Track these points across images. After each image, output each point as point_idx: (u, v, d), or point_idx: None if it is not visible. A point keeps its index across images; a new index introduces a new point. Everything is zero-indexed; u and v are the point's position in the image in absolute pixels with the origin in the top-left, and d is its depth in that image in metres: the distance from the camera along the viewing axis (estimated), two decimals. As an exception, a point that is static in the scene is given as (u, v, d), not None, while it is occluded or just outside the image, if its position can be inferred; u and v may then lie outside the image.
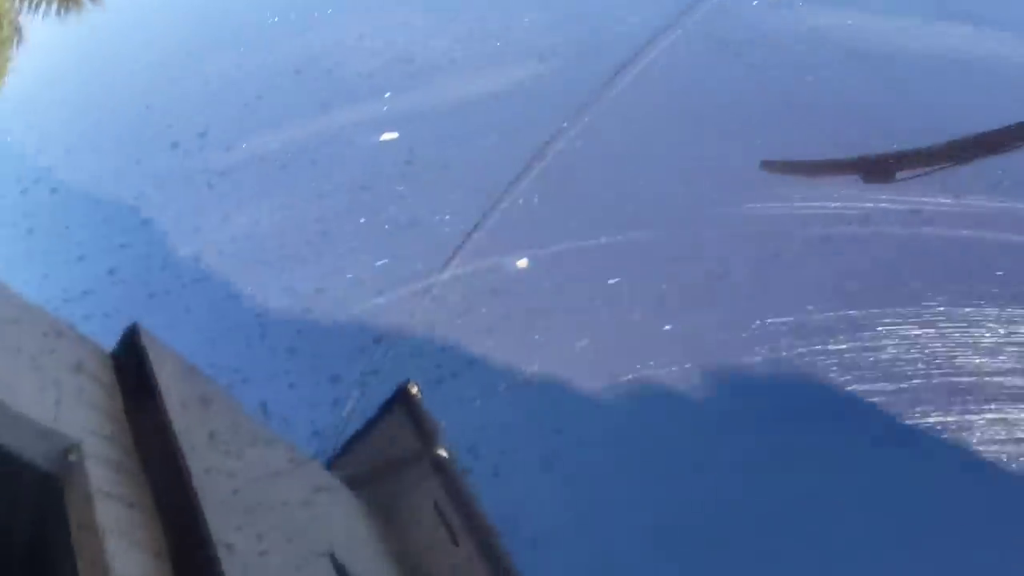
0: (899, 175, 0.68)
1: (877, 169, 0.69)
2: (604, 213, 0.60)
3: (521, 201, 0.60)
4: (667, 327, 0.53)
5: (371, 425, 0.53)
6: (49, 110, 0.70)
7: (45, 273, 0.59)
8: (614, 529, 0.47)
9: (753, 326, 0.51)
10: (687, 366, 0.50)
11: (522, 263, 0.58)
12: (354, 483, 0.50)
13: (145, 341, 0.54)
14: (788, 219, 0.61)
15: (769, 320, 0.51)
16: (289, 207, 0.61)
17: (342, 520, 0.49)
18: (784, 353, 0.49)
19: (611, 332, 0.53)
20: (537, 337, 0.54)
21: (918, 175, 0.69)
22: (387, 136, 0.65)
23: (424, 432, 0.54)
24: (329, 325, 0.55)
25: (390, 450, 0.54)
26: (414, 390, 0.55)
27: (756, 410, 0.49)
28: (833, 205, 0.62)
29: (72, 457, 0.46)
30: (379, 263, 0.58)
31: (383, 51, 0.70)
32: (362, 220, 0.60)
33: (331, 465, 0.50)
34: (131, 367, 0.52)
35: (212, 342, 0.54)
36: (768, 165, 0.71)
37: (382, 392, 0.52)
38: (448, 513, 0.50)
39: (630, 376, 0.51)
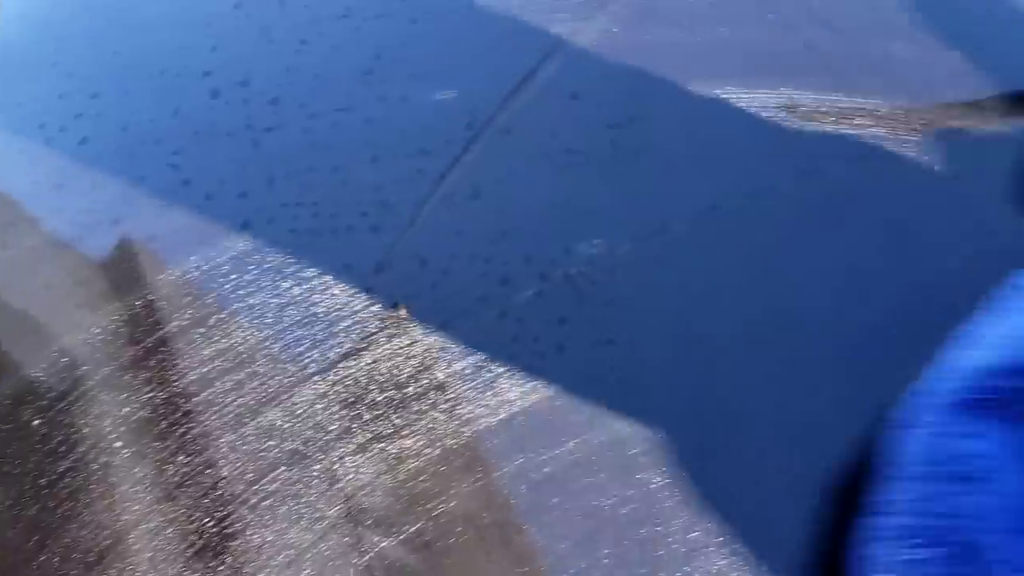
0: (923, 130, 0.66)
1: (904, 121, 0.67)
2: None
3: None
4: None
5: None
6: (67, 41, 0.63)
7: (79, 235, 0.54)
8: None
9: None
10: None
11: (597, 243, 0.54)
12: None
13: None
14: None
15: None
16: (343, 170, 0.56)
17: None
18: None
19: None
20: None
21: (944, 130, 0.67)
22: (444, 95, 0.60)
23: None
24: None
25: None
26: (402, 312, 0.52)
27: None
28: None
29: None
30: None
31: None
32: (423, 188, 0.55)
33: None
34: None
35: (269, 327, 0.50)
36: (791, 110, 0.68)
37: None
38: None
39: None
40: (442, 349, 0.50)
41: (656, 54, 0.62)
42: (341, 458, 0.46)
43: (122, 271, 0.52)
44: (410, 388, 0.49)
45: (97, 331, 0.50)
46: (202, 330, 0.50)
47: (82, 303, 0.51)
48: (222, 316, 0.50)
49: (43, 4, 0.65)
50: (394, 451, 0.46)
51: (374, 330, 0.50)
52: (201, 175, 0.55)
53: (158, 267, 0.52)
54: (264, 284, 0.51)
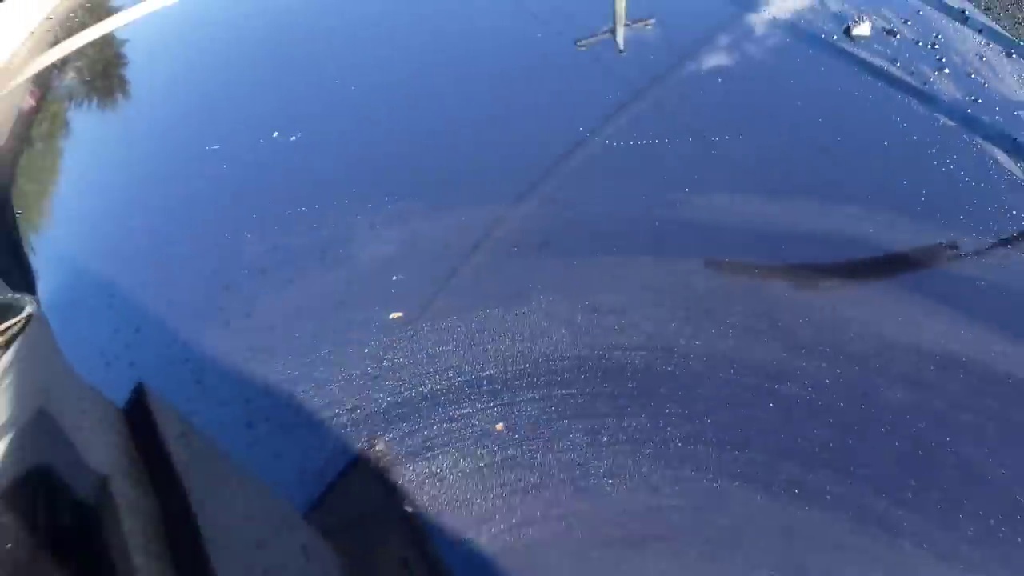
0: (821, 285, 0.80)
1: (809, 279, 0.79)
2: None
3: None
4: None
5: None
6: (120, 286, 0.85)
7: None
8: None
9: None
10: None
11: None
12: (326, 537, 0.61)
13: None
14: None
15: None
16: (326, 384, 0.77)
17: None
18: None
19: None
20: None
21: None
22: (395, 315, 0.81)
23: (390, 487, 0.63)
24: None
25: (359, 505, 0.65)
26: (379, 446, 0.67)
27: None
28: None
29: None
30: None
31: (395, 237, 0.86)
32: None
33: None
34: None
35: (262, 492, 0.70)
36: (713, 264, 0.82)
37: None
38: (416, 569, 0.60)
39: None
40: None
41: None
42: None
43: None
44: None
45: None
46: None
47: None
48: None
49: (95, 257, 0.88)
50: None
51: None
52: (217, 391, 0.76)
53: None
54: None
